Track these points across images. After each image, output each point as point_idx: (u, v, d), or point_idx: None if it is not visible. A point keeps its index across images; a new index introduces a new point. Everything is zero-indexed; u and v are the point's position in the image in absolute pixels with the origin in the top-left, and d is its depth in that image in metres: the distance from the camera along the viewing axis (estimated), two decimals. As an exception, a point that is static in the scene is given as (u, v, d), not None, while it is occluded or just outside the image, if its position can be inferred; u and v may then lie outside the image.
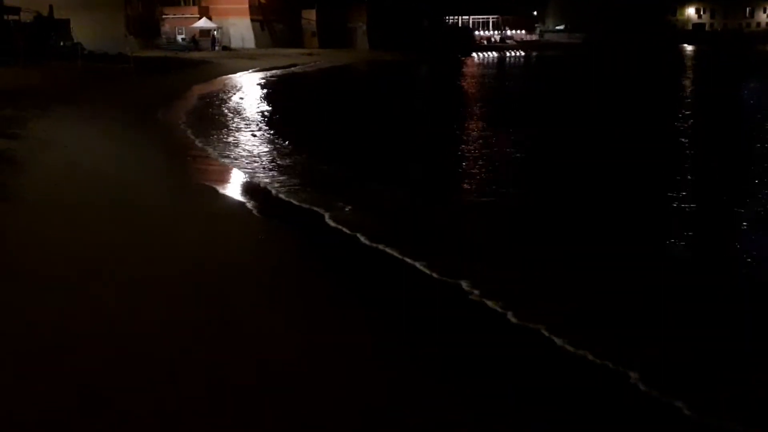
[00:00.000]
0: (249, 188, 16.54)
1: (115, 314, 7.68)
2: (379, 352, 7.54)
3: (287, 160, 19.82)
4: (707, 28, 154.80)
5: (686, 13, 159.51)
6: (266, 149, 21.93)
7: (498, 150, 22.06)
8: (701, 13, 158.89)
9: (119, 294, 8.33)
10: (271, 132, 25.63)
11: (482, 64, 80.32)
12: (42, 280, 8.36)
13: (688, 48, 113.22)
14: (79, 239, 10.35)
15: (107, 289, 8.39)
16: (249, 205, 14.67)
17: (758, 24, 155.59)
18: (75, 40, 54.73)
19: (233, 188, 16.74)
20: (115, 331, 7.22)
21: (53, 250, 9.72)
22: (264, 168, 18.79)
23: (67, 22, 56.24)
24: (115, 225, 11.47)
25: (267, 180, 17.17)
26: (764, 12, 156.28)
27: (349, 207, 14.16)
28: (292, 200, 15.02)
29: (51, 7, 53.95)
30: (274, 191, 15.90)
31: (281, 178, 17.41)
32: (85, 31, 57.32)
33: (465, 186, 17.14)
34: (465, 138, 24.54)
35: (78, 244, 10.07)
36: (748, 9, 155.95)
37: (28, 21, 49.97)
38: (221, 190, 16.15)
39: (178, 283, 8.99)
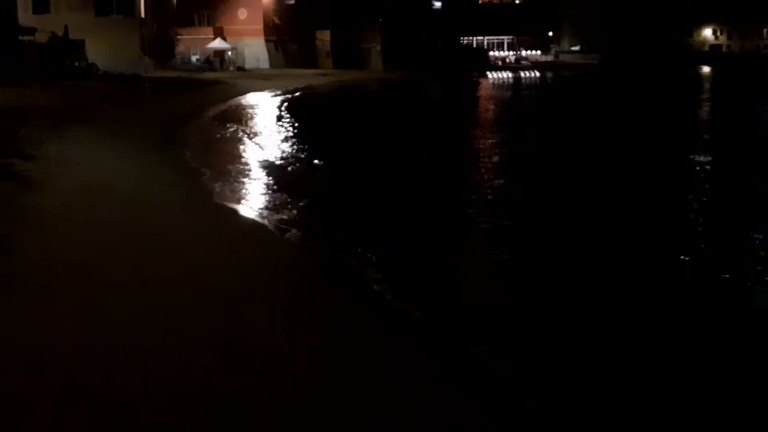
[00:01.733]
0: (265, 209, 16.28)
1: (129, 332, 7.61)
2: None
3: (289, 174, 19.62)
4: (724, 49, 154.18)
5: (703, 34, 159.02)
6: (277, 171, 21.62)
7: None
8: (718, 34, 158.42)
9: (134, 312, 8.26)
10: (284, 150, 25.35)
11: (495, 84, 79.99)
12: (59, 298, 8.40)
13: (705, 69, 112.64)
14: (95, 258, 10.34)
15: (121, 308, 8.33)
16: (267, 224, 14.58)
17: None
18: (89, 61, 54.78)
19: (247, 208, 16.42)
20: (129, 348, 7.13)
21: (69, 268, 9.73)
22: (272, 191, 18.58)
23: (82, 42, 56.31)
24: (130, 244, 11.42)
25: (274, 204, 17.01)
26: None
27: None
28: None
29: (66, 27, 54.04)
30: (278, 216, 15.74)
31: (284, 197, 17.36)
32: (99, 52, 57.32)
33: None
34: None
35: (93, 263, 10.05)
36: (765, 30, 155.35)
37: (44, 41, 50.03)
38: (236, 210, 15.94)
39: (190, 301, 8.89)
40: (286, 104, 49.58)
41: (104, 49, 58.51)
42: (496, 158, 24.64)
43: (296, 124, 35.68)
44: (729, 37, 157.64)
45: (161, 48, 75.45)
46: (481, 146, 27.50)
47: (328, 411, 6.29)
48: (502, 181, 20.37)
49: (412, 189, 18.81)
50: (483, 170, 22.46)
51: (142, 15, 69.12)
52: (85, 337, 7.35)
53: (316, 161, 23.76)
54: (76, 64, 52.93)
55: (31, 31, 48.41)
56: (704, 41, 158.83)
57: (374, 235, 14.20)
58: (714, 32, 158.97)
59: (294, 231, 14.22)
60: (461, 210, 16.23)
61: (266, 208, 16.72)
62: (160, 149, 24.55)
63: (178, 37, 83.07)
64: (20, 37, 47.40)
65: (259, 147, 27.44)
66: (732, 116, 39.47)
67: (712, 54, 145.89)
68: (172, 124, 32.32)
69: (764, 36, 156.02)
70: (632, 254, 12.91)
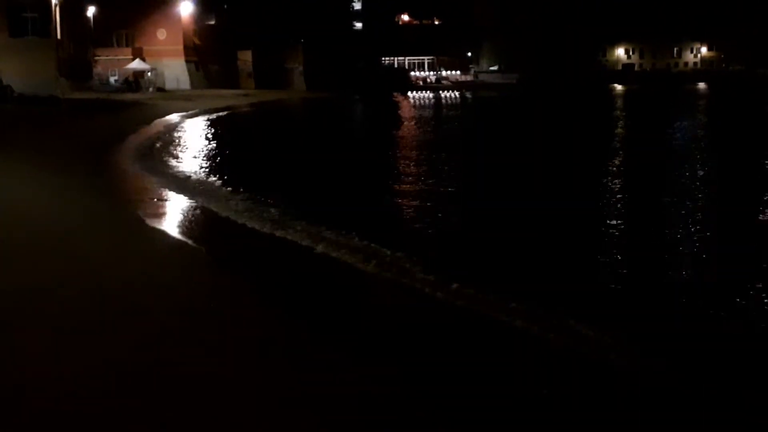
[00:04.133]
0: (190, 226, 16.30)
1: (43, 361, 7.35)
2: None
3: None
4: (636, 68, 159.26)
5: (616, 54, 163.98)
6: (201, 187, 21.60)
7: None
8: (630, 53, 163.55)
9: (46, 341, 7.96)
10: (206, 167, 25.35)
11: (416, 105, 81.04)
12: None
13: (618, 87, 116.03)
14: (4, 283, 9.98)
15: (34, 337, 8.04)
16: (191, 243, 14.36)
17: (686, 64, 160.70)
18: (4, 83, 53.85)
19: (170, 226, 16.23)
20: (44, 380, 6.89)
21: None
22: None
23: (-5, 64, 55.37)
24: (44, 269, 10.95)
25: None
26: (691, 52, 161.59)
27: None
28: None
29: (-21, 49, 53.13)
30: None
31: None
32: (14, 74, 56.40)
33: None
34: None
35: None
36: (675, 49, 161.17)
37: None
38: (158, 229, 15.66)
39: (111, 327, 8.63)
40: (207, 126, 49.40)
41: (19, 71, 57.60)
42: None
43: (214, 147, 35.61)
44: (641, 56, 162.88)
45: (78, 69, 74.50)
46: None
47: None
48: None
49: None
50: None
51: (58, 36, 68.15)
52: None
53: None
54: (-11, 86, 52.00)
55: (-58, 53, 47.52)
56: (617, 60, 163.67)
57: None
58: (626, 51, 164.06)
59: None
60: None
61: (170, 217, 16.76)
62: (76, 173, 24.20)
63: (96, 57, 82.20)
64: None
65: (176, 164, 27.28)
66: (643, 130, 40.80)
67: (624, 73, 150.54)
68: (90, 145, 31.82)
69: (674, 55, 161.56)
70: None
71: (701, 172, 25.06)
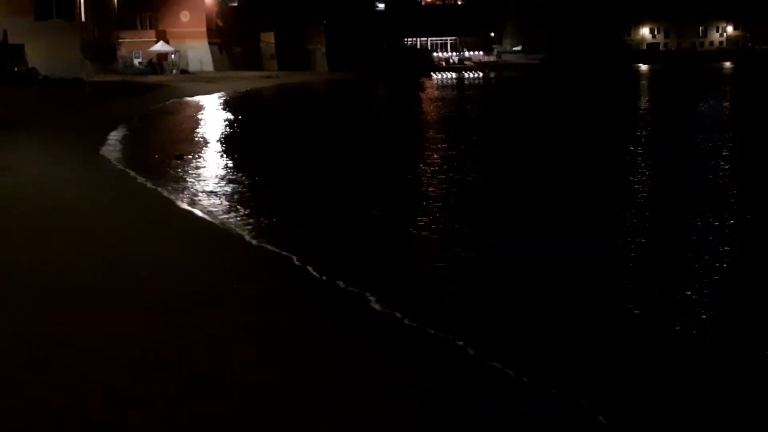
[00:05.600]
0: (206, 207, 16.33)
1: (75, 338, 7.55)
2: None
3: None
4: (661, 47, 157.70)
5: (641, 33, 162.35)
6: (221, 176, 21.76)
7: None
8: (655, 32, 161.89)
9: (78, 315, 8.24)
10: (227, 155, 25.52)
11: (439, 85, 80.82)
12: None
13: (643, 67, 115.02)
14: (37, 260, 10.32)
15: (65, 312, 8.31)
16: (214, 221, 14.63)
17: (711, 43, 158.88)
18: (30, 66, 54.32)
19: (189, 205, 16.38)
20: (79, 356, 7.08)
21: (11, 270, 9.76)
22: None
23: (21, 47, 55.80)
24: (69, 245, 11.37)
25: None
26: (717, 31, 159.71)
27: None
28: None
29: (5, 32, 53.57)
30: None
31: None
32: (40, 56, 56.92)
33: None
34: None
35: (36, 265, 10.06)
36: (701, 28, 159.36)
37: (-18, 47, 49.59)
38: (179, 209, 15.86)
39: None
40: (231, 107, 49.61)
41: (44, 54, 58.10)
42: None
43: (243, 129, 35.79)
44: (666, 36, 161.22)
45: (103, 52, 74.94)
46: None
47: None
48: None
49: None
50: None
51: (83, 19, 68.63)
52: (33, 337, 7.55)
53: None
54: (16, 69, 52.49)
55: (-31, 36, 47.97)
56: (642, 40, 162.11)
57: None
58: (651, 31, 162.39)
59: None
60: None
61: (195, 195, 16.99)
62: (100, 153, 24.50)
63: (120, 40, 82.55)
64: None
65: (196, 148, 27.44)
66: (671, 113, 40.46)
67: (649, 52, 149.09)
68: (114, 126, 32.17)
69: (700, 34, 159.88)
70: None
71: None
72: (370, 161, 24.77)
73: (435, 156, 24.71)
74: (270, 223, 14.69)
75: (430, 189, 18.36)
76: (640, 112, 41.99)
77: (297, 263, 11.49)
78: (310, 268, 11.15)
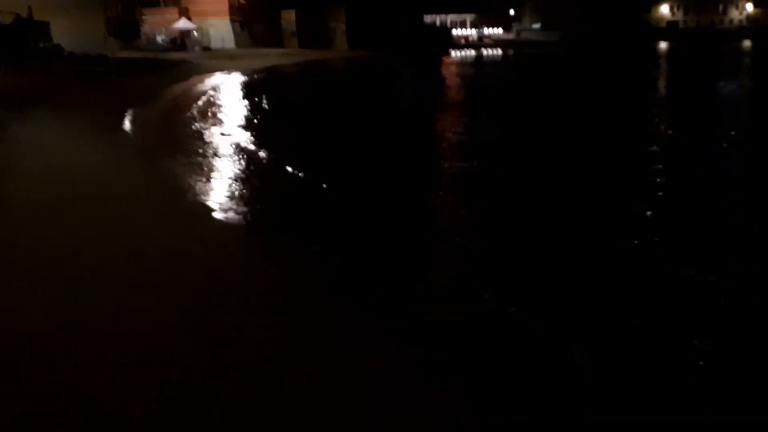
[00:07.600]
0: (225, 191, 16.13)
1: (104, 314, 7.59)
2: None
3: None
4: (681, 25, 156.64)
5: (660, 11, 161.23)
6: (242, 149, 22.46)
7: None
8: (675, 10, 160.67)
9: (108, 293, 8.23)
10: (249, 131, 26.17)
11: (459, 62, 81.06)
12: (33, 279, 8.37)
13: (663, 45, 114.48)
14: (67, 237, 10.37)
15: (95, 288, 8.34)
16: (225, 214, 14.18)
17: (731, 21, 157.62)
18: (54, 42, 55.04)
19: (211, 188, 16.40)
20: (106, 332, 7.15)
21: (41, 249, 9.67)
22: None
23: (46, 24, 56.47)
24: (99, 224, 11.39)
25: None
26: (737, 9, 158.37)
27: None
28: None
29: (30, 8, 54.20)
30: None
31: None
32: (64, 33, 57.53)
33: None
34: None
35: (65, 243, 10.04)
36: (721, 6, 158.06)
37: (8, 23, 50.23)
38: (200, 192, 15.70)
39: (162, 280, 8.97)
40: (254, 84, 50.36)
41: (69, 30, 58.72)
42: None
43: (264, 105, 36.49)
44: (685, 13, 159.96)
45: (126, 28, 75.73)
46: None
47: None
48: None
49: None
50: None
51: (107, -4, 69.36)
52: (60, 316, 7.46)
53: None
54: (41, 45, 53.10)
55: (-5, 12, 48.67)
56: (661, 17, 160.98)
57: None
58: (671, 8, 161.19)
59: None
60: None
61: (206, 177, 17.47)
62: (125, 129, 24.96)
63: (143, 17, 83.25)
64: (-16, 19, 47.73)
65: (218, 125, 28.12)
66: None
67: (668, 30, 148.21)
68: (138, 102, 32.64)
69: (719, 11, 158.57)
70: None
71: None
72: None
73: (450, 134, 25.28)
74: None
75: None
76: (660, 93, 42.00)
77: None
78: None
